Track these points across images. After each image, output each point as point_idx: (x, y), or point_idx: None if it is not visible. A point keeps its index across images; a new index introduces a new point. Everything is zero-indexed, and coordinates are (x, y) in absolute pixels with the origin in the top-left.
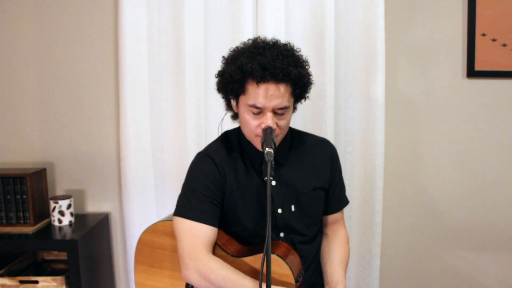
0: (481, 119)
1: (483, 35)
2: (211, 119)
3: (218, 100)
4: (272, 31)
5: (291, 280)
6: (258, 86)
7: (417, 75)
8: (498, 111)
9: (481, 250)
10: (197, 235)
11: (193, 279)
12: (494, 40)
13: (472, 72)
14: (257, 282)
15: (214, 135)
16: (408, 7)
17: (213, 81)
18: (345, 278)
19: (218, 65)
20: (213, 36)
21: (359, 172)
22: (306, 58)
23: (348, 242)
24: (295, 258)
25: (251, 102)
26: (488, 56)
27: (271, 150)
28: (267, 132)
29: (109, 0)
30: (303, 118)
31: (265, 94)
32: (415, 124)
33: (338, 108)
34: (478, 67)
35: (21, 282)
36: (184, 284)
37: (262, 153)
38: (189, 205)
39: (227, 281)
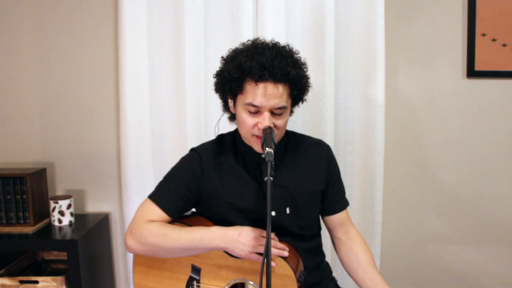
0: (481, 119)
1: (483, 35)
2: (211, 119)
3: (218, 100)
4: (272, 31)
5: (293, 281)
6: (257, 85)
7: (417, 75)
8: (498, 111)
9: (482, 250)
10: (149, 214)
11: (133, 245)
12: (494, 40)
13: (472, 72)
14: (199, 229)
15: (214, 135)
16: (408, 7)
17: (213, 81)
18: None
19: (218, 66)
20: (213, 36)
21: (359, 172)
22: (305, 61)
23: (367, 243)
24: (296, 258)
25: (248, 100)
26: (488, 56)
27: (271, 150)
28: (267, 132)
29: (109, 0)
30: (303, 118)
31: (263, 93)
32: (415, 124)
33: (338, 108)
34: (478, 67)
35: (21, 282)
36: (183, 286)
37: (258, 155)
38: (159, 189)
39: (167, 238)
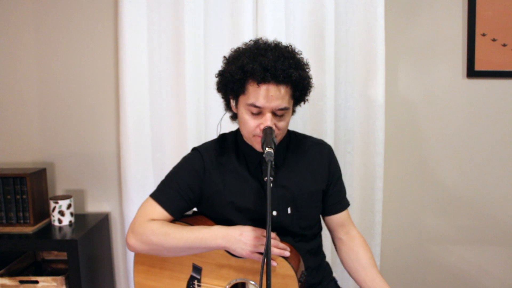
0: (481, 119)
1: (483, 35)
2: (211, 119)
3: (218, 100)
4: (272, 31)
5: (294, 280)
6: (259, 86)
7: (417, 75)
8: (498, 111)
9: (482, 250)
10: (151, 212)
11: (135, 244)
12: (494, 40)
13: (472, 72)
14: (201, 229)
15: (214, 135)
16: (408, 7)
17: (213, 81)
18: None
19: (218, 65)
20: (213, 36)
21: (359, 172)
22: (307, 61)
23: (367, 243)
24: (297, 258)
25: (250, 101)
26: (488, 56)
27: (271, 150)
28: (267, 132)
29: (109, 0)
30: (303, 118)
31: (266, 95)
32: (415, 124)
33: (338, 108)
34: (478, 67)
35: (21, 282)
36: (184, 285)
37: (259, 154)
38: (161, 188)
39: (168, 237)
